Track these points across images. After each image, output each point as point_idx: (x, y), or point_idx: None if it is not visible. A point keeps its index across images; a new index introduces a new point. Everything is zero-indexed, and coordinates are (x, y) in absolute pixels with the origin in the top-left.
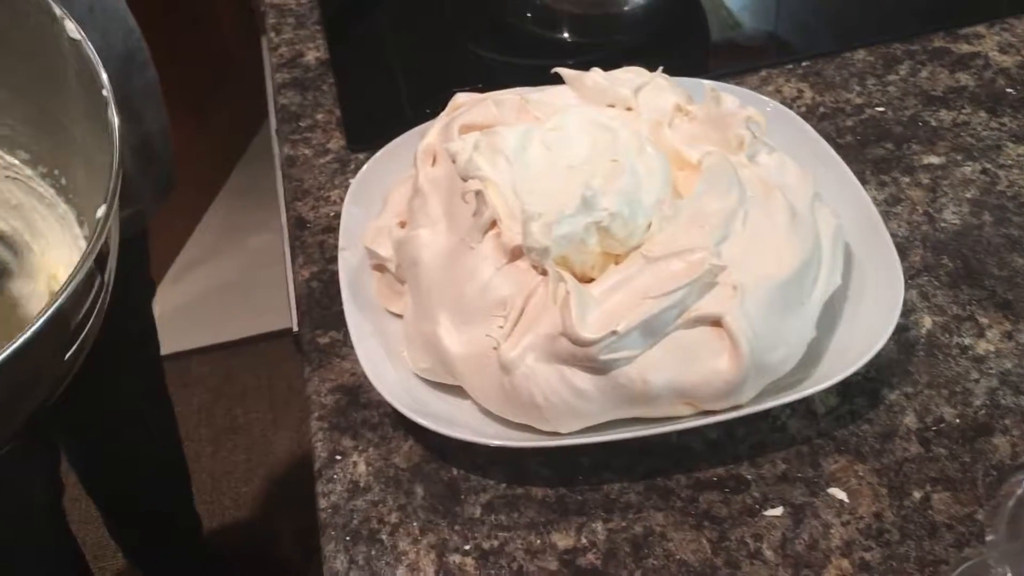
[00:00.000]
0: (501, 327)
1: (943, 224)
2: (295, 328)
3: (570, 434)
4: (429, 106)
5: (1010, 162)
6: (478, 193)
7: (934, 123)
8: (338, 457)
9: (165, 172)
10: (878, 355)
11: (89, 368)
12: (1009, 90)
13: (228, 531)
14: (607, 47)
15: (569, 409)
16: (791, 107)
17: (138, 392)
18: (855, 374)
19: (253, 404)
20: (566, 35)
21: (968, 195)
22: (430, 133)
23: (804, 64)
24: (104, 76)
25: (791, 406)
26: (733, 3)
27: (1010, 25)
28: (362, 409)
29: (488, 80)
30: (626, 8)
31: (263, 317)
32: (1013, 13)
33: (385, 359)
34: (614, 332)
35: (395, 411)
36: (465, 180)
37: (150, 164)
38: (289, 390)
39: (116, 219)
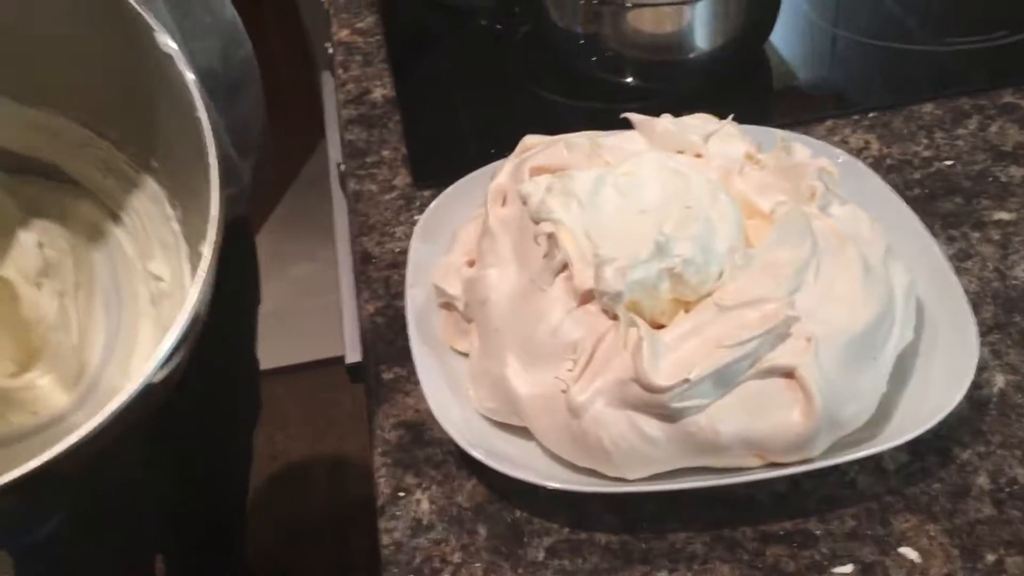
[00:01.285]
0: (570, 370)
1: (1014, 281)
2: (348, 359)
3: (636, 481)
4: (493, 146)
5: None
6: (550, 236)
7: (1004, 179)
8: (401, 494)
9: (263, 159)
10: (950, 413)
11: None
12: None
13: (265, 556)
14: (672, 93)
15: (637, 455)
16: (858, 158)
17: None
18: (927, 431)
19: (294, 431)
20: (630, 80)
21: None
22: (501, 174)
23: (871, 115)
24: (200, 104)
25: (860, 462)
26: (789, 55)
27: None
28: (426, 446)
29: (552, 122)
30: (691, 55)
31: (304, 344)
32: None
33: (450, 397)
34: (687, 380)
35: (459, 450)
36: (537, 222)
37: (247, 150)
38: (328, 420)
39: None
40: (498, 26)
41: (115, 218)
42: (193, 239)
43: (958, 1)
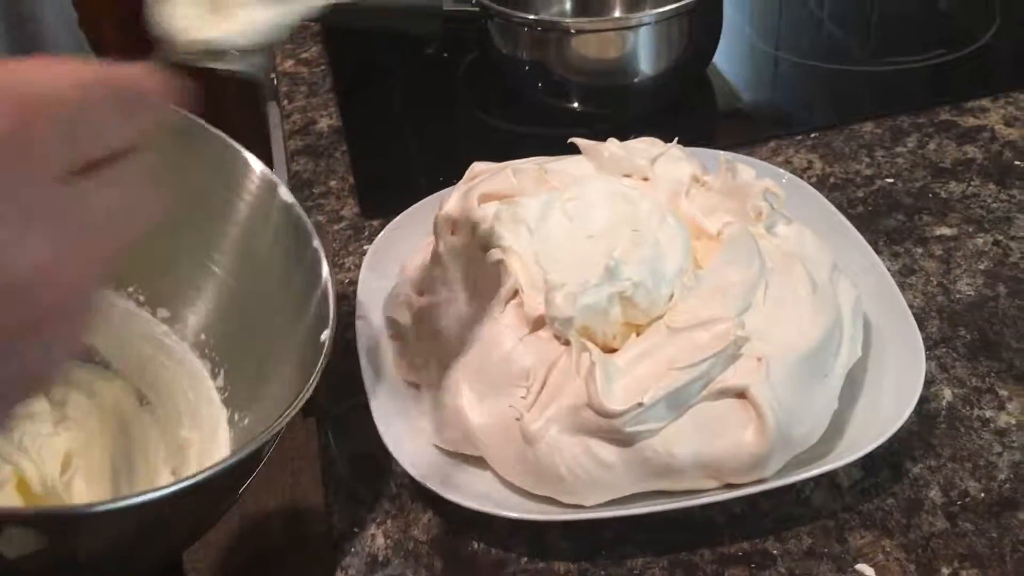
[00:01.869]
0: (524, 398)
1: (958, 295)
2: None
3: (593, 507)
4: (442, 174)
5: (1021, 234)
6: (500, 262)
7: (944, 195)
8: (356, 530)
9: None
10: (900, 427)
11: None
12: (1017, 162)
13: None
14: (618, 117)
15: (593, 481)
16: (802, 178)
17: None
18: (878, 447)
19: None
20: (576, 105)
21: (981, 266)
22: (449, 202)
23: (813, 135)
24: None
25: (815, 479)
26: (733, 78)
27: (1014, 99)
28: (380, 480)
29: (500, 148)
30: (636, 80)
31: None
32: (1017, 87)
33: (404, 429)
34: (640, 404)
35: (414, 482)
36: (486, 250)
37: None
38: (281, 455)
39: None
40: (445, 54)
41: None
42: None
43: (896, 22)
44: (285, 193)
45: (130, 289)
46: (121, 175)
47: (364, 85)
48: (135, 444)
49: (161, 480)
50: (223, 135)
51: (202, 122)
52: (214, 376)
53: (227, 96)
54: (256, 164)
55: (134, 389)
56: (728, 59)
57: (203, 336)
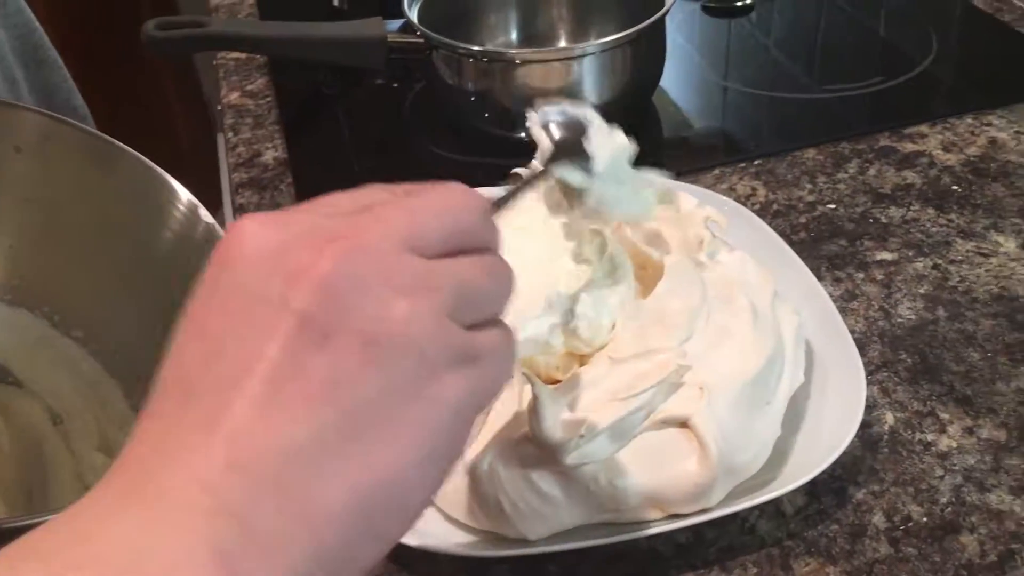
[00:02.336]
0: None
1: (899, 319)
2: None
3: (537, 541)
4: None
5: (960, 258)
6: None
7: (884, 220)
8: None
9: None
10: (844, 453)
11: None
12: (954, 187)
13: None
14: None
15: (537, 515)
16: (745, 204)
17: None
18: (822, 472)
19: None
20: (524, 135)
21: (922, 290)
22: None
23: (756, 162)
24: None
25: (759, 507)
26: (684, 104)
27: (951, 124)
28: None
29: (446, 178)
30: None
31: None
32: (954, 113)
33: None
34: (581, 435)
35: None
36: None
37: None
38: None
39: None
40: (395, 84)
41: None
42: None
43: (839, 49)
44: (206, 215)
45: (44, 309)
46: None
47: (310, 117)
48: (49, 463)
49: (75, 499)
50: (143, 158)
51: (122, 145)
52: (128, 396)
53: (178, 127)
54: (177, 187)
55: (47, 408)
56: (677, 87)
57: (117, 356)
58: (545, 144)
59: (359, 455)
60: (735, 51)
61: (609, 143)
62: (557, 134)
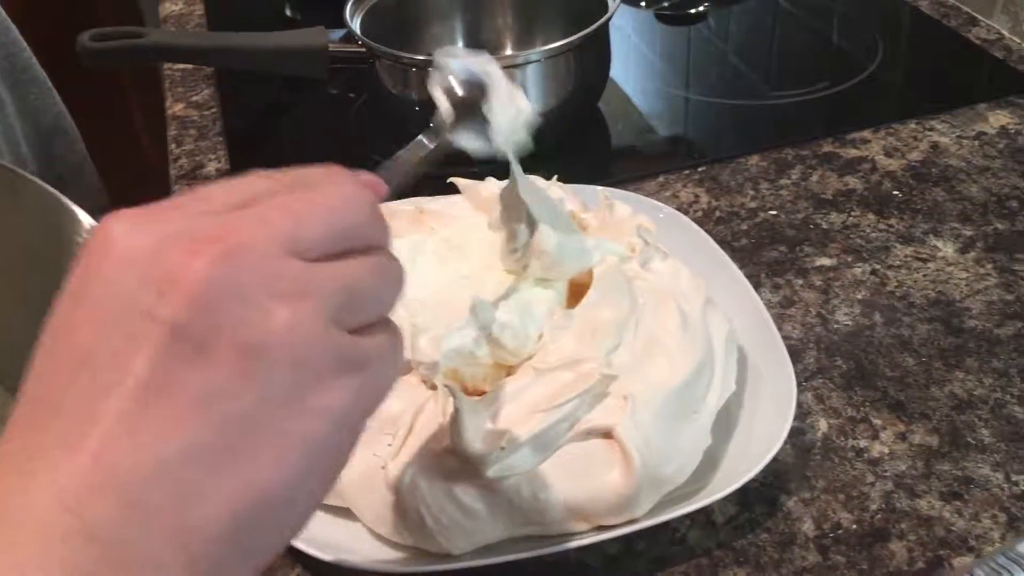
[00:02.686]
0: (390, 445)
1: (836, 325)
2: None
3: (463, 556)
4: None
5: (898, 263)
6: None
7: (825, 225)
8: None
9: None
10: (776, 460)
11: None
12: (895, 192)
13: None
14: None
15: (460, 529)
16: (688, 212)
17: None
18: (753, 480)
19: None
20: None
21: (859, 296)
22: None
23: (700, 169)
24: None
25: (691, 517)
26: (645, 108)
27: (895, 130)
28: None
29: (392, 189)
30: None
31: None
32: (898, 118)
33: None
34: (503, 448)
35: None
36: None
37: None
38: None
39: None
40: (351, 94)
41: None
42: None
43: (792, 56)
44: None
45: None
46: None
47: (255, 128)
48: None
49: None
50: (51, 189)
51: (27, 175)
52: None
53: (142, 139)
54: (84, 217)
55: None
56: (632, 93)
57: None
58: (444, 107)
59: (234, 472)
60: (692, 59)
61: (510, 108)
62: (456, 96)
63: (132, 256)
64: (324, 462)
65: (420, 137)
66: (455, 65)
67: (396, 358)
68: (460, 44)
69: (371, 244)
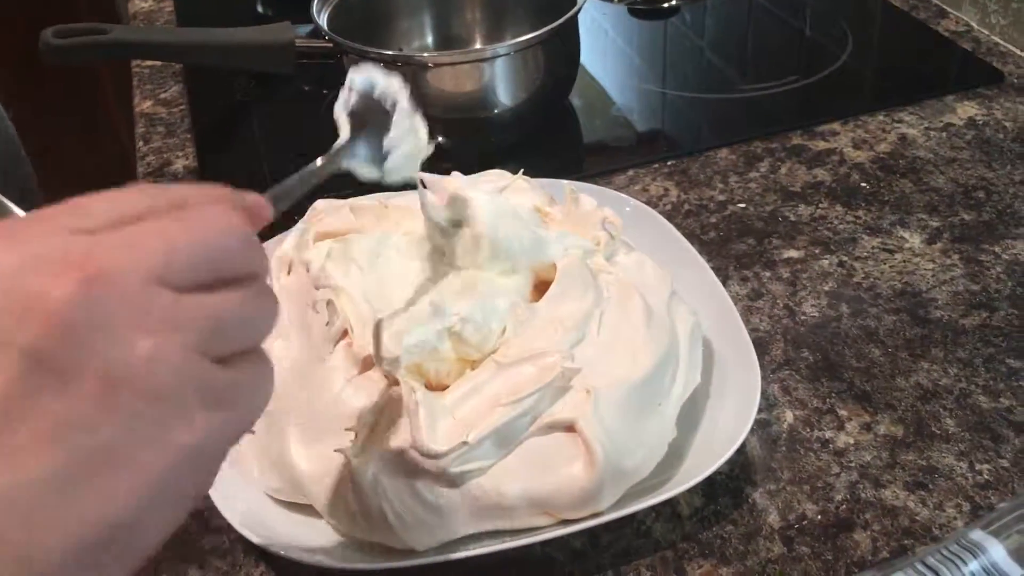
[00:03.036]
0: (352, 441)
1: (803, 317)
2: None
3: (426, 552)
4: (299, 213)
5: (865, 254)
6: (329, 302)
7: (793, 218)
8: None
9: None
10: (742, 452)
11: None
12: (863, 184)
13: None
14: (480, 150)
15: (423, 526)
16: (657, 205)
17: None
18: (719, 473)
19: None
20: (439, 139)
21: (826, 288)
22: (286, 242)
23: (670, 163)
24: None
25: (656, 509)
26: (620, 102)
27: (864, 122)
28: (211, 535)
29: (362, 185)
30: (496, 112)
31: None
32: (867, 110)
33: (235, 480)
34: (464, 443)
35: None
36: (318, 289)
37: None
38: None
39: None
40: (324, 91)
41: None
42: None
43: (766, 50)
44: None
45: None
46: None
47: (224, 125)
48: None
49: None
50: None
51: None
52: None
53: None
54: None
55: None
56: (612, 88)
57: None
58: (344, 132)
59: (83, 502)
60: (667, 53)
61: (410, 138)
62: (356, 121)
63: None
64: (179, 492)
65: (316, 161)
66: (361, 81)
67: (264, 389)
68: (430, 41)
69: (244, 275)
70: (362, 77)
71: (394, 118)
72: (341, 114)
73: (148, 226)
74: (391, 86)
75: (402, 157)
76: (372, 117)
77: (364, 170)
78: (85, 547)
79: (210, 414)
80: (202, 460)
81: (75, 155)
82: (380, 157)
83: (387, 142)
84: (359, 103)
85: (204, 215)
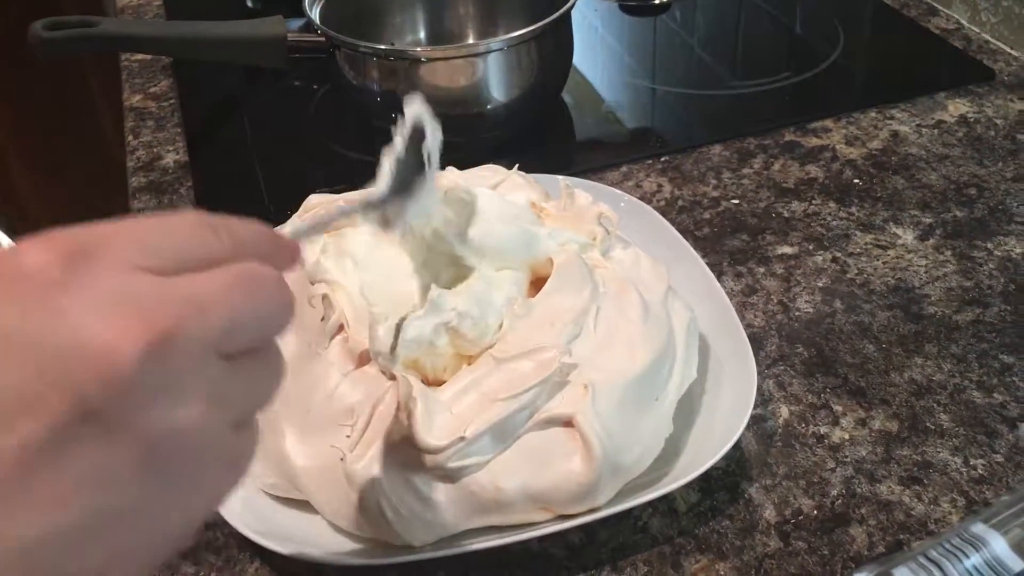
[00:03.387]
0: (348, 436)
1: (797, 313)
2: None
3: (423, 547)
4: (290, 206)
5: (858, 250)
6: (324, 297)
7: (787, 214)
8: None
9: None
10: (738, 448)
11: None
12: (856, 180)
13: None
14: (474, 146)
15: (420, 521)
16: (651, 201)
17: None
18: (715, 468)
19: None
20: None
21: (820, 284)
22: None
23: (663, 159)
24: None
25: (653, 505)
26: (610, 99)
27: (856, 119)
28: (205, 530)
29: (351, 179)
30: (489, 107)
31: None
32: (859, 107)
33: None
34: (462, 438)
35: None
36: (313, 284)
37: None
38: None
39: None
40: (314, 86)
41: None
42: None
43: (756, 47)
44: None
45: None
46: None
47: (214, 119)
48: None
49: None
50: None
51: None
52: None
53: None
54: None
55: None
56: (597, 84)
57: None
58: (383, 183)
59: (94, 556)
60: (657, 50)
61: (435, 197)
62: (397, 176)
63: (56, 307)
64: (180, 545)
65: (341, 202)
66: (412, 120)
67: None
68: (422, 36)
69: (267, 339)
70: (413, 115)
71: (426, 183)
72: (389, 160)
73: (214, 286)
74: (434, 138)
75: (416, 217)
76: (408, 168)
77: (381, 225)
78: None
79: (229, 477)
80: (208, 515)
81: (60, 149)
82: (402, 218)
83: (412, 209)
84: (407, 148)
85: (264, 282)
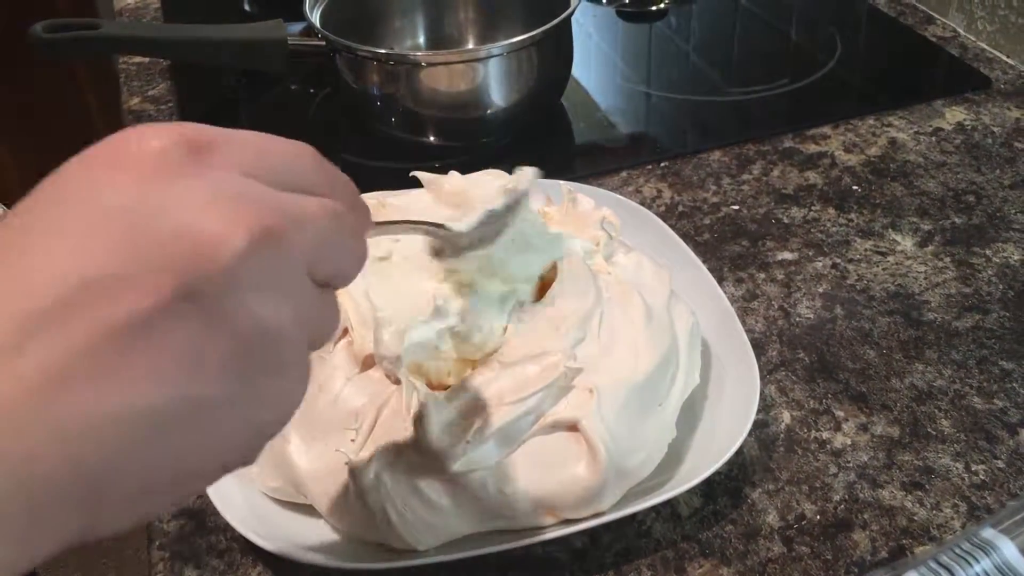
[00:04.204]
0: (353, 440)
1: (798, 318)
2: None
3: (428, 552)
4: None
5: (858, 256)
6: None
7: (786, 220)
8: None
9: None
10: (740, 453)
11: None
12: (855, 187)
13: None
14: (473, 150)
15: (425, 525)
16: (651, 206)
17: None
18: (718, 473)
19: None
20: (432, 139)
21: (820, 289)
22: None
23: (663, 165)
24: None
25: (656, 510)
26: (606, 105)
27: (854, 126)
28: (208, 534)
29: (360, 183)
30: (489, 111)
31: None
32: (856, 114)
33: (232, 479)
34: (467, 442)
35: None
36: None
37: None
38: None
39: None
40: (311, 89)
41: None
42: None
43: (750, 53)
44: None
45: None
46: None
47: (213, 122)
48: None
49: None
50: None
51: None
52: None
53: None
54: None
55: None
56: (594, 90)
57: None
58: (468, 222)
59: (168, 448)
60: (653, 56)
61: (499, 247)
62: (483, 226)
63: (173, 191)
64: (244, 460)
65: (427, 228)
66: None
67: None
68: (422, 40)
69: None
70: (525, 187)
71: (502, 240)
72: (484, 209)
73: (313, 208)
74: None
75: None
76: (495, 223)
77: (433, 251)
78: (150, 491)
79: (297, 392)
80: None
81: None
82: (460, 258)
83: (476, 254)
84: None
85: (351, 224)
